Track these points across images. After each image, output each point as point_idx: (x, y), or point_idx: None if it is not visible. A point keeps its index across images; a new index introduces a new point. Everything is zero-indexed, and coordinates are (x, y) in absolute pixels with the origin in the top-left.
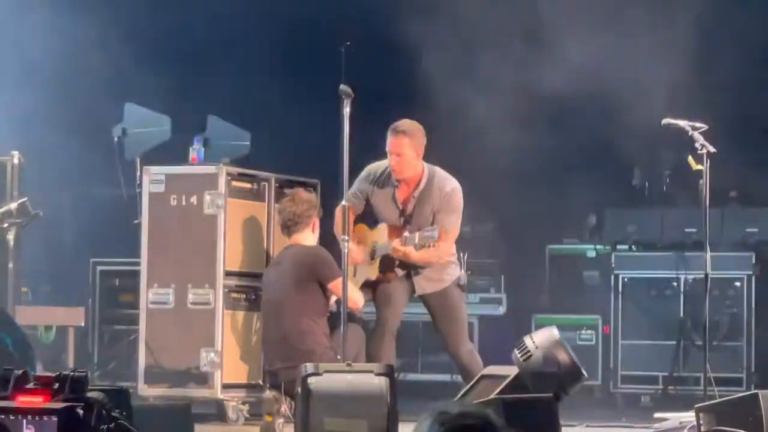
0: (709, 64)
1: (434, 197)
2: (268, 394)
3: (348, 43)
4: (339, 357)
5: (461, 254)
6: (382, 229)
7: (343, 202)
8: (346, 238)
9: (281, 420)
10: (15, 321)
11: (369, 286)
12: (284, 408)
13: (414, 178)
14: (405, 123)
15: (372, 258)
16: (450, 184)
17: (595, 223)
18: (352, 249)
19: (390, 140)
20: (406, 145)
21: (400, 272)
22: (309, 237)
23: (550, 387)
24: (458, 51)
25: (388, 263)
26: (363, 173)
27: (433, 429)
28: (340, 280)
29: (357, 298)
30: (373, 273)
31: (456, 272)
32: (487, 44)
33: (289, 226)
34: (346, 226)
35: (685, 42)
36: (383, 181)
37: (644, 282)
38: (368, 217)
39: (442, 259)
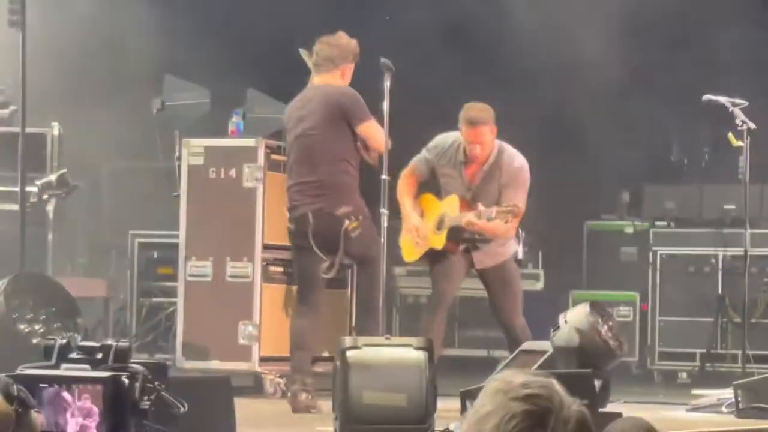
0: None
1: (503, 172)
2: None
3: (387, 17)
4: (366, 211)
5: (519, 230)
6: (452, 201)
7: (384, 176)
8: (386, 211)
9: (310, 402)
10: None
11: (428, 258)
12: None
13: (484, 157)
14: (479, 111)
15: (439, 228)
16: (518, 161)
17: (629, 200)
18: (413, 220)
19: (468, 131)
20: (485, 133)
21: (461, 246)
22: (338, 81)
23: (578, 363)
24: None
25: (454, 235)
26: (431, 143)
27: (497, 396)
28: (371, 123)
29: (381, 139)
30: (439, 242)
31: (514, 247)
32: (530, 17)
33: (319, 65)
34: (384, 199)
35: (728, 19)
36: (452, 154)
37: (682, 259)
38: (426, 186)
39: (510, 233)
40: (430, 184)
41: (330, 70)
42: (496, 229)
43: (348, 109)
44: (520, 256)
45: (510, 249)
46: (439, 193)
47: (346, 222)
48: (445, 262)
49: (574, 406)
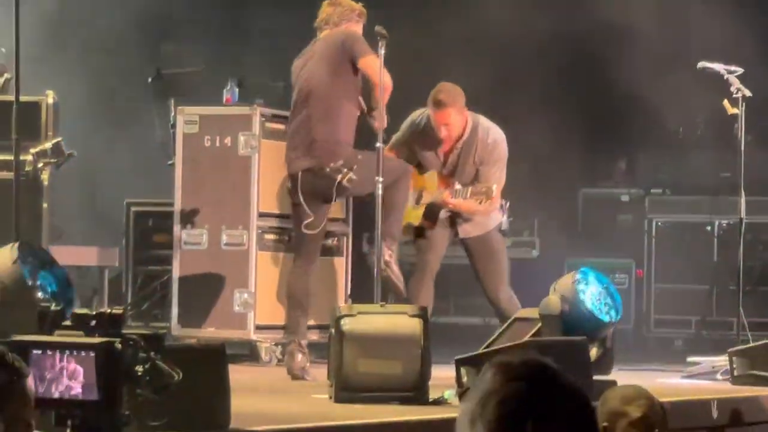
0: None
1: (478, 149)
2: None
3: None
4: (360, 156)
5: (504, 201)
6: (432, 177)
7: (379, 144)
8: (380, 179)
9: (306, 364)
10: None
11: (410, 229)
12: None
13: (457, 134)
14: (445, 94)
15: (417, 203)
16: (492, 135)
17: (625, 167)
18: None
19: (435, 113)
20: (451, 114)
21: (443, 215)
22: None
23: (558, 331)
24: None
25: (432, 210)
26: (407, 121)
27: (497, 377)
28: (372, 57)
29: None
30: (416, 218)
31: (498, 218)
32: None
33: (321, 27)
34: (380, 167)
35: None
36: (426, 131)
37: (678, 226)
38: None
39: (489, 210)
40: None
41: (331, 30)
42: (472, 208)
43: (349, 45)
44: (505, 226)
45: (493, 220)
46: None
47: (339, 176)
48: (428, 232)
49: (573, 385)
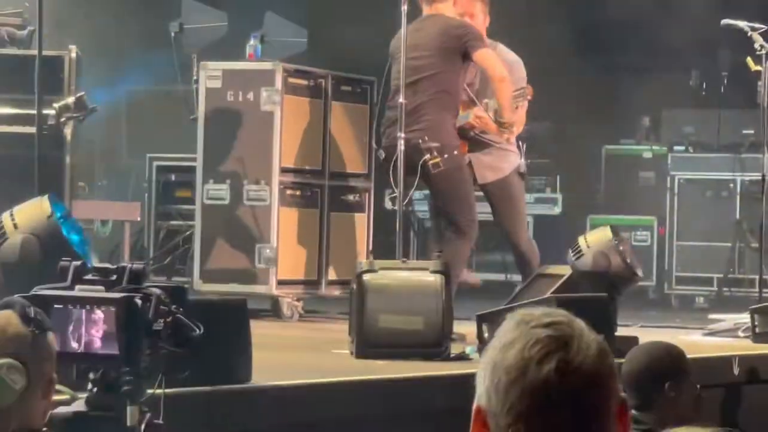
0: None
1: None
2: None
3: None
4: (456, 153)
5: (520, 143)
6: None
7: (401, 99)
8: (402, 135)
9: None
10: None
11: None
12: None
13: None
14: None
15: None
16: (513, 55)
17: (649, 125)
18: None
19: (462, 2)
20: (478, 8)
21: (467, 149)
22: (449, 11)
23: (601, 287)
24: None
25: (462, 134)
26: None
27: (520, 327)
28: (486, 51)
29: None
30: None
31: (516, 160)
32: None
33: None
34: (401, 122)
35: None
36: None
37: (700, 183)
38: None
39: (515, 133)
40: None
41: (439, 1)
42: (499, 131)
43: (462, 35)
44: (523, 169)
45: (512, 163)
46: None
47: (427, 155)
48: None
49: (593, 334)
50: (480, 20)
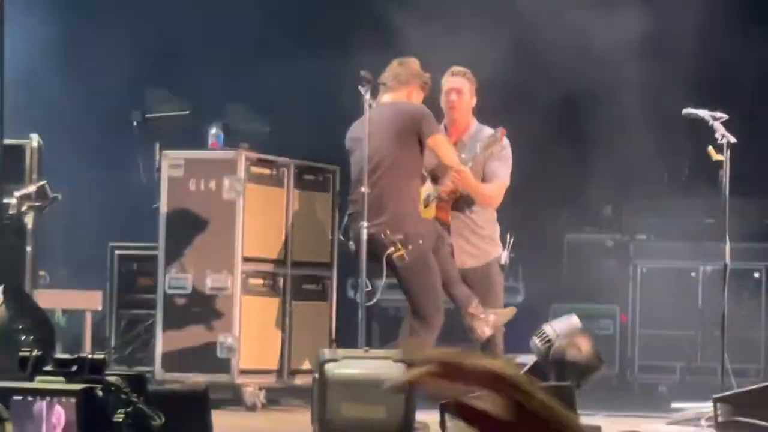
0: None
1: (475, 143)
2: None
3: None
4: (421, 242)
5: (508, 236)
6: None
7: (363, 189)
8: (366, 224)
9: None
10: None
11: None
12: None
13: (465, 124)
14: (464, 69)
15: (426, 206)
16: (487, 130)
17: (611, 213)
18: None
19: (450, 79)
20: (465, 86)
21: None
22: (405, 96)
23: (570, 375)
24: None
25: (442, 202)
26: None
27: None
28: (440, 137)
29: (451, 154)
30: (429, 213)
31: (498, 251)
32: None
33: (386, 83)
34: (364, 212)
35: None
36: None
37: (663, 272)
38: None
39: (494, 201)
40: None
41: (395, 88)
42: (480, 188)
43: (418, 122)
44: (504, 261)
45: (492, 253)
46: None
47: (391, 248)
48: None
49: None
50: (467, 99)
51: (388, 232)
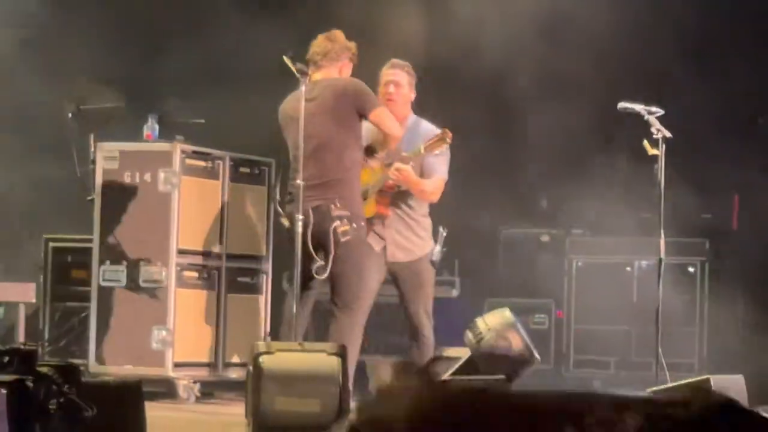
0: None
1: (423, 137)
2: None
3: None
4: (363, 224)
5: (440, 229)
6: (372, 173)
7: (299, 181)
8: (301, 217)
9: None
10: None
11: None
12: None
13: (402, 117)
14: (403, 61)
15: (364, 198)
16: (438, 130)
17: (547, 206)
18: None
19: (389, 71)
20: (404, 79)
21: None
22: (337, 73)
23: (501, 369)
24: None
25: (381, 196)
26: None
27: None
28: (381, 109)
29: (394, 125)
30: (368, 211)
31: (429, 245)
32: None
33: (316, 61)
34: (299, 204)
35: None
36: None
37: (598, 266)
38: None
39: (434, 196)
40: None
41: (326, 65)
42: (420, 184)
43: (358, 99)
44: (435, 257)
45: (423, 248)
46: None
47: (337, 222)
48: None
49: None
50: (405, 92)
51: (338, 204)
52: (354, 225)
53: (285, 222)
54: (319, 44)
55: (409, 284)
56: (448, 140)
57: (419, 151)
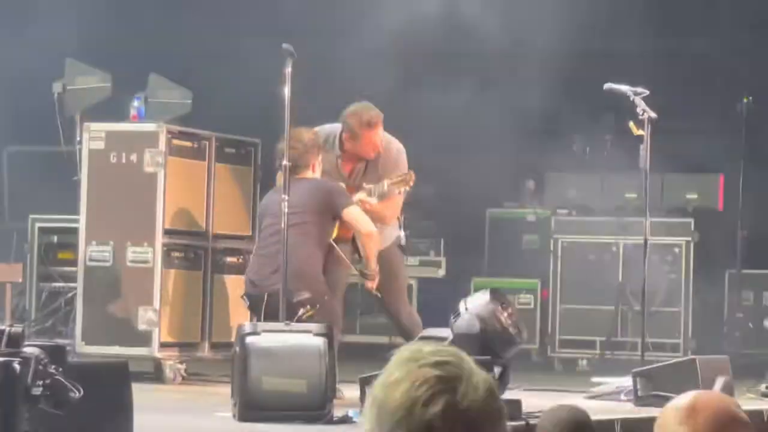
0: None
1: (382, 159)
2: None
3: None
4: (326, 297)
5: (400, 215)
6: None
7: (285, 162)
8: (286, 197)
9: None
10: None
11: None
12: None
13: (374, 151)
14: (374, 111)
15: None
16: (394, 146)
17: (534, 187)
18: None
19: (366, 134)
20: (380, 132)
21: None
22: (310, 176)
23: (479, 350)
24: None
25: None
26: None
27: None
28: (353, 207)
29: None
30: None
31: (396, 232)
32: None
33: (289, 164)
34: (286, 185)
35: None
36: (329, 148)
37: (583, 246)
38: None
39: (394, 217)
40: None
41: (302, 170)
42: (383, 211)
43: (333, 201)
44: (402, 241)
45: (391, 235)
46: None
47: (301, 310)
48: (332, 252)
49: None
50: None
51: (297, 288)
52: (318, 305)
53: (246, 301)
54: (288, 148)
55: (381, 274)
56: (411, 183)
57: (383, 186)
